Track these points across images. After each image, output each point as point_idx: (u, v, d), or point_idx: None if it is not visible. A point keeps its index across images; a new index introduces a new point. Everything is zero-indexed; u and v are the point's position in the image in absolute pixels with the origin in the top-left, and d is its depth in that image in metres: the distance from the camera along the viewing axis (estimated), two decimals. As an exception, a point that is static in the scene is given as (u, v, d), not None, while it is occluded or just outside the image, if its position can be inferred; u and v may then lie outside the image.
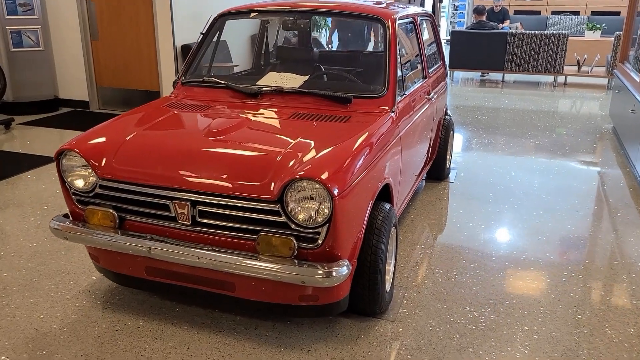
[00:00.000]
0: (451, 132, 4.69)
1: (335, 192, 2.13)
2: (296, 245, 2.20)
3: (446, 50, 13.48)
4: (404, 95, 3.18)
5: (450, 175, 4.79)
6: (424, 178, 4.67)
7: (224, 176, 2.26)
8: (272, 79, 3.11)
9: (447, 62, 4.80)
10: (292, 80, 3.08)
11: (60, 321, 2.60)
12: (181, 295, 2.66)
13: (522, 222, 3.85)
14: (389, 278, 2.77)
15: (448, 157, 4.74)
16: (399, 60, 3.12)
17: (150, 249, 2.32)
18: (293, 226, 2.20)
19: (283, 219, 2.20)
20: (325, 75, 3.33)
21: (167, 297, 2.79)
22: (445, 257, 3.31)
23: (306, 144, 2.40)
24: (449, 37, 10.37)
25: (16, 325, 2.57)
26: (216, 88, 3.09)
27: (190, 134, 2.54)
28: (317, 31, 7.27)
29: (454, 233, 3.66)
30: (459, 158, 5.33)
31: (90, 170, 2.44)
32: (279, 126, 2.63)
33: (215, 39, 3.43)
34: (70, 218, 2.56)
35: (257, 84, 3.08)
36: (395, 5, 3.72)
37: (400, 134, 2.95)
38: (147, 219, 2.41)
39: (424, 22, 4.31)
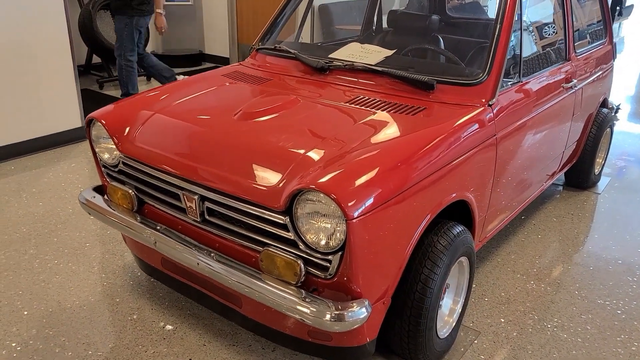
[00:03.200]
0: (608, 130, 3.69)
1: (353, 213, 1.59)
2: (303, 270, 1.72)
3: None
4: (518, 83, 2.43)
5: (599, 184, 3.81)
6: (562, 184, 3.77)
7: (235, 172, 1.84)
8: (350, 52, 2.57)
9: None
10: (372, 55, 2.51)
11: (85, 298, 2.46)
12: (197, 296, 2.36)
13: (681, 263, 2.87)
14: (450, 319, 2.17)
15: (598, 160, 3.76)
16: (514, 36, 2.37)
17: (156, 242, 2.02)
18: (302, 246, 1.73)
19: (291, 235, 1.73)
20: (421, 51, 2.68)
21: (189, 293, 2.51)
22: (549, 297, 2.56)
23: (343, 141, 1.87)
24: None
25: (45, 294, 2.49)
26: (288, 58, 2.64)
27: (223, 112, 2.14)
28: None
29: (577, 265, 2.84)
30: (619, 162, 4.25)
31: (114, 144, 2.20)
32: (325, 113, 2.12)
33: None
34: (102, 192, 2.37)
35: (330, 56, 2.57)
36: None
37: (498, 135, 2.24)
38: (163, 206, 2.10)
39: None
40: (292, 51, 2.62)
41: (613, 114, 3.82)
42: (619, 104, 5.47)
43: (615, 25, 11.71)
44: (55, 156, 4.04)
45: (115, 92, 5.60)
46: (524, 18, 2.74)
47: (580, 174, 3.61)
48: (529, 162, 2.64)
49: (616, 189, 3.78)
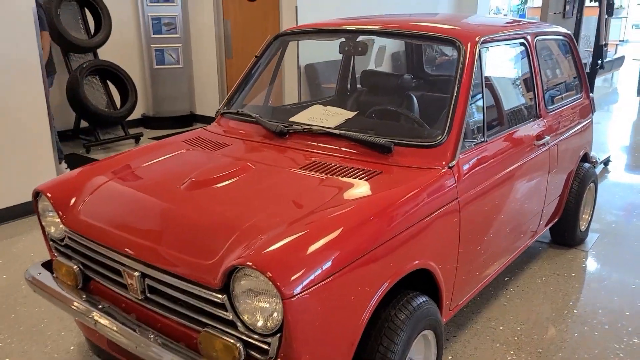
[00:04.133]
0: (591, 185, 3.59)
1: (291, 291, 1.48)
2: (243, 354, 1.59)
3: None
4: (483, 143, 2.35)
5: (586, 241, 3.67)
6: (548, 241, 3.64)
7: (174, 248, 1.74)
8: (311, 115, 2.52)
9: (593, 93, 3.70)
10: (333, 118, 2.45)
11: (33, 380, 2.32)
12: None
13: (673, 327, 2.70)
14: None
15: (584, 216, 3.63)
16: (476, 95, 2.31)
17: (96, 322, 1.90)
18: (241, 327, 1.60)
19: (230, 315, 1.61)
20: (384, 112, 2.62)
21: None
22: (531, 368, 2.39)
23: (289, 211, 1.78)
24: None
25: (-9, 376, 2.35)
26: (250, 122, 2.59)
27: (172, 182, 2.06)
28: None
29: (561, 332, 2.67)
30: (609, 216, 4.12)
31: (58, 218, 2.12)
32: (276, 181, 2.03)
33: (270, 62, 2.95)
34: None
35: (290, 120, 2.52)
36: (499, 22, 2.87)
37: (461, 199, 2.14)
38: (107, 282, 1.99)
39: (554, 45, 3.34)
40: (253, 115, 2.56)
41: (596, 168, 3.73)
42: (608, 157, 5.41)
43: (607, 76, 11.82)
44: (30, 225, 3.97)
45: (103, 155, 5.59)
46: (489, 76, 2.71)
47: (565, 231, 3.48)
48: (501, 223, 2.53)
49: (605, 245, 3.63)
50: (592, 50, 5.09)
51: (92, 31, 6.15)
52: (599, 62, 4.92)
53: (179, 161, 2.30)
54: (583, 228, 3.61)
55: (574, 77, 3.51)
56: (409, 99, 2.89)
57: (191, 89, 7.27)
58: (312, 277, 1.54)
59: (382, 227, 1.78)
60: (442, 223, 2.06)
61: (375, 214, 1.79)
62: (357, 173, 2.05)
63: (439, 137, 2.17)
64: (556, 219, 3.37)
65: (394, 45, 5.34)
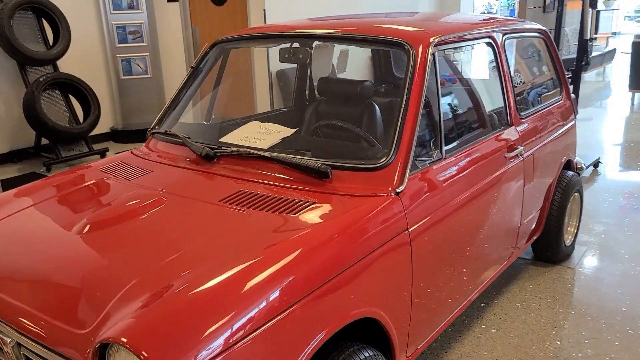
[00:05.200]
0: (576, 195, 3.27)
1: (167, 374, 1.16)
2: None
3: (622, 66, 11.02)
4: (440, 161, 2.04)
5: (573, 256, 3.35)
6: (531, 259, 3.32)
7: (49, 312, 1.42)
8: (246, 133, 2.20)
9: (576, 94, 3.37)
10: (269, 137, 2.13)
11: None
12: None
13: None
14: None
15: (569, 229, 3.32)
16: (426, 107, 2.00)
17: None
18: (121, 415, 1.28)
19: (107, 398, 1.30)
20: (330, 128, 2.31)
21: None
22: (505, 419, 2.07)
23: (185, 263, 1.45)
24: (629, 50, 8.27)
25: None
26: (178, 144, 2.27)
27: (64, 225, 1.74)
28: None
29: (541, 368, 2.35)
30: (597, 227, 3.80)
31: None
32: (185, 219, 1.70)
33: (206, 71, 2.63)
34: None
35: (221, 140, 2.20)
36: (464, 21, 2.55)
37: (412, 229, 1.82)
38: (-10, 346, 1.67)
39: (528, 43, 3.02)
40: (181, 136, 2.24)
41: (581, 175, 3.42)
42: (598, 159, 5.08)
43: (600, 70, 11.51)
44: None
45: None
46: (450, 80, 2.40)
47: (547, 246, 3.16)
48: (466, 251, 2.21)
49: (593, 260, 3.31)
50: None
51: (51, 43, 5.84)
52: (585, 58, 4.60)
53: (82, 195, 1.98)
54: (568, 242, 3.29)
55: (552, 78, 3.19)
56: (370, 108, 2.58)
57: (161, 99, 6.94)
58: (208, 352, 1.22)
59: (306, 275, 1.46)
60: (389, 260, 1.74)
61: (297, 260, 1.47)
62: (284, 205, 1.73)
63: (384, 158, 1.85)
64: (537, 235, 3.05)
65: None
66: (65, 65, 6.00)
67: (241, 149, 2.03)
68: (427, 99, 2.07)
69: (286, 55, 2.46)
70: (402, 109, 1.92)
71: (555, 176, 3.07)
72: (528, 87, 2.94)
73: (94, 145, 6.11)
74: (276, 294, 1.38)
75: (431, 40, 2.07)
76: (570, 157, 3.27)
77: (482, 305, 2.85)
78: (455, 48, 2.26)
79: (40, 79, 5.47)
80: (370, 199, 1.76)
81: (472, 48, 2.46)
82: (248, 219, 1.66)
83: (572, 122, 3.31)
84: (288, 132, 2.18)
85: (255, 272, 1.40)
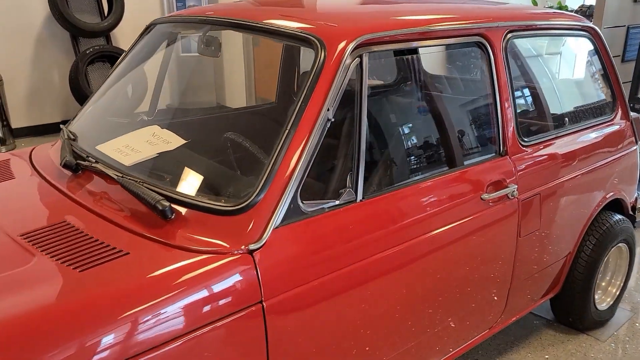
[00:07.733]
0: (621, 246, 2.49)
1: None
2: None
3: None
4: (348, 205, 1.47)
5: (609, 325, 2.57)
6: (550, 319, 2.60)
7: None
8: (129, 141, 1.75)
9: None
10: (149, 148, 1.68)
11: None
12: None
13: None
14: None
15: (611, 289, 2.54)
16: (338, 130, 1.44)
17: None
18: None
19: None
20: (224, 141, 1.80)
21: None
22: None
23: None
24: None
25: None
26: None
27: None
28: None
29: None
30: (662, 283, 2.93)
31: None
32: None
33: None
34: None
35: (98, 147, 1.78)
36: (438, 8, 1.90)
37: (267, 304, 1.30)
38: None
39: (561, 44, 2.28)
40: (64, 135, 1.86)
41: (637, 220, 2.61)
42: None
43: None
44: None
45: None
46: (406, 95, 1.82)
47: (568, 309, 2.43)
48: (389, 335, 1.62)
49: (635, 334, 2.51)
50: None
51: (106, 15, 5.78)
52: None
53: None
54: (604, 306, 2.52)
55: (598, 89, 2.41)
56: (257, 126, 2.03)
57: (219, 79, 6.70)
58: None
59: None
60: (219, 346, 1.25)
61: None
62: (87, 253, 1.28)
63: (246, 197, 1.34)
64: (553, 294, 2.34)
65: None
66: (123, 38, 5.94)
67: (95, 164, 1.60)
68: (344, 117, 1.51)
69: (201, 46, 1.97)
70: (287, 130, 1.39)
71: (588, 220, 2.32)
72: (553, 102, 2.21)
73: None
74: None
75: (357, 38, 1.49)
76: (619, 194, 2.47)
77: (460, 377, 2.23)
78: (405, 51, 1.65)
79: (87, 51, 5.41)
80: (208, 256, 1.27)
81: (443, 51, 1.82)
82: (33, 266, 1.24)
83: (629, 150, 2.50)
84: (180, 142, 1.72)
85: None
